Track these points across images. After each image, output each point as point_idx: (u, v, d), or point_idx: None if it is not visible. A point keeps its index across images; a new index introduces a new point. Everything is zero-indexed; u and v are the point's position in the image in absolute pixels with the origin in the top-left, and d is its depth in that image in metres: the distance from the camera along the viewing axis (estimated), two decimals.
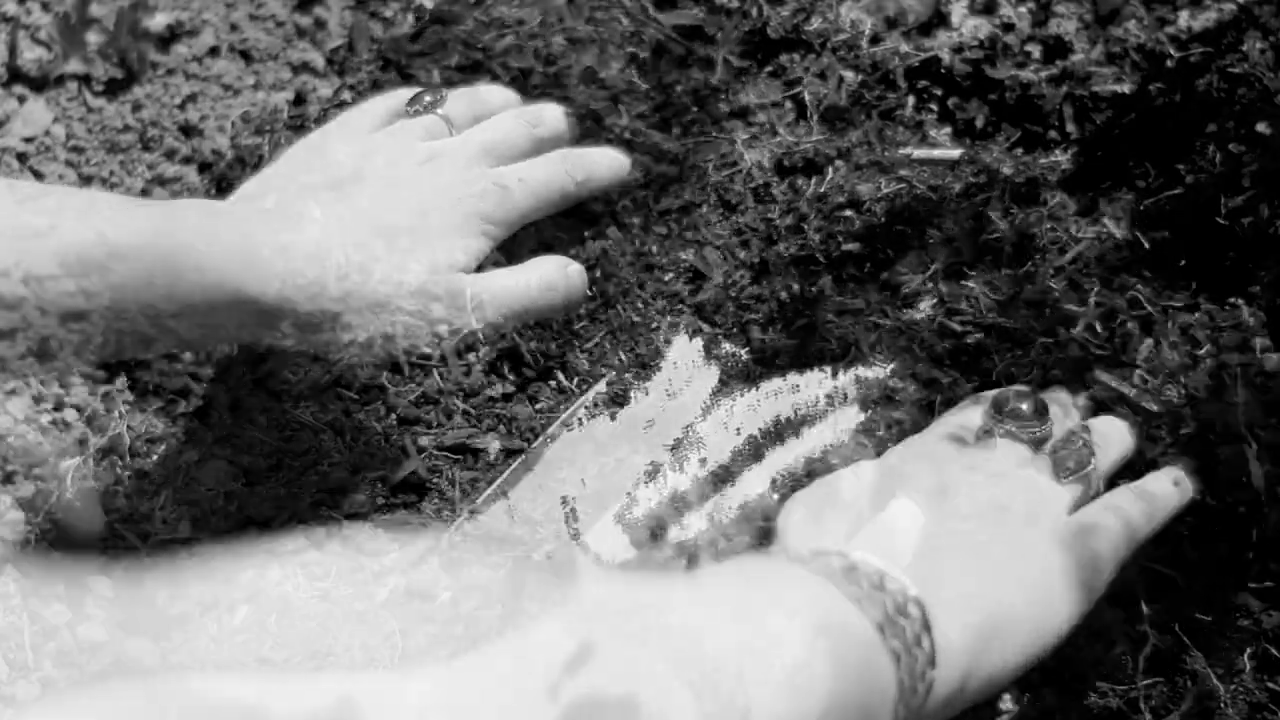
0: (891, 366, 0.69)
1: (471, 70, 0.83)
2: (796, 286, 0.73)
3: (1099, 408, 0.64)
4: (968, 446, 0.58)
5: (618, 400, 0.73)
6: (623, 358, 0.74)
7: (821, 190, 0.76)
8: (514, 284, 0.62)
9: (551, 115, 0.69)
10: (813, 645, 0.42)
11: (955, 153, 0.76)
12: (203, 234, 0.57)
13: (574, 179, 0.66)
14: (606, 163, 0.68)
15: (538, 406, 0.73)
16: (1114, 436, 0.61)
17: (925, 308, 0.71)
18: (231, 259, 0.57)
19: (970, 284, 0.70)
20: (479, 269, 0.63)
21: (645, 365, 0.73)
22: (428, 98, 0.67)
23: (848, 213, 0.74)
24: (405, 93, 0.68)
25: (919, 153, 0.77)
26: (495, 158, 0.65)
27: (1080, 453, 0.57)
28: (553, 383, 0.74)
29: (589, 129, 0.78)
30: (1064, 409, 0.62)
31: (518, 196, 0.63)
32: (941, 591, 0.48)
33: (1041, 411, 0.59)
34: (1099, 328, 0.66)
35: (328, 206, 0.60)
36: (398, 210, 0.61)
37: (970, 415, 0.61)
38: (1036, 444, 0.58)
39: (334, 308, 0.58)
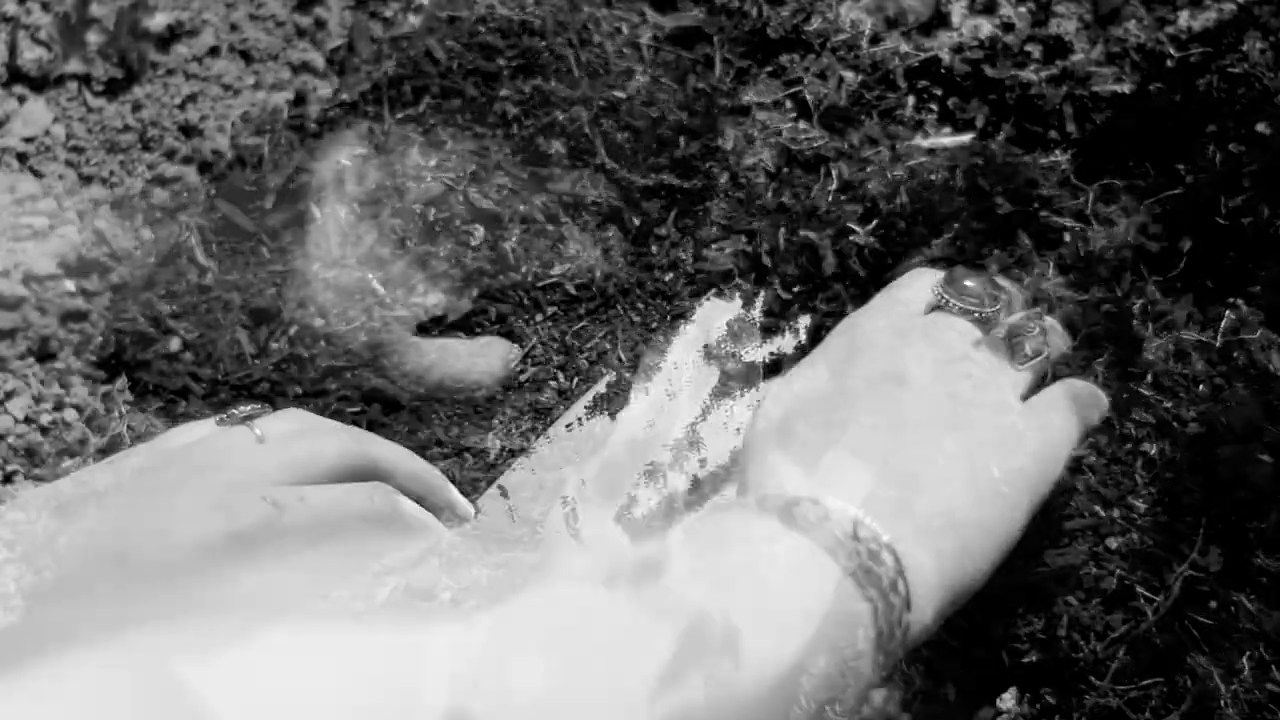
0: None
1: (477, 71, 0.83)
2: (797, 286, 0.73)
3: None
4: (913, 327, 0.56)
5: (618, 400, 0.73)
6: (623, 358, 0.74)
7: (823, 188, 0.76)
8: None
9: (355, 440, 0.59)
10: (788, 592, 0.43)
11: (966, 138, 0.76)
12: None
13: (372, 502, 0.57)
14: (421, 519, 0.59)
15: (538, 407, 0.73)
16: (1055, 334, 0.60)
17: None
18: None
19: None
20: None
21: (645, 365, 0.73)
22: (243, 410, 0.59)
23: (850, 208, 0.74)
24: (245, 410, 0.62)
25: (928, 141, 0.77)
26: (291, 475, 0.56)
27: (1037, 339, 0.56)
28: (553, 383, 0.74)
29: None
30: (1011, 296, 0.61)
31: (290, 519, 0.54)
32: (912, 521, 0.47)
33: (995, 292, 0.57)
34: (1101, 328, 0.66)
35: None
36: (129, 533, 0.52)
37: (917, 289, 0.59)
38: (984, 325, 0.56)
39: None
